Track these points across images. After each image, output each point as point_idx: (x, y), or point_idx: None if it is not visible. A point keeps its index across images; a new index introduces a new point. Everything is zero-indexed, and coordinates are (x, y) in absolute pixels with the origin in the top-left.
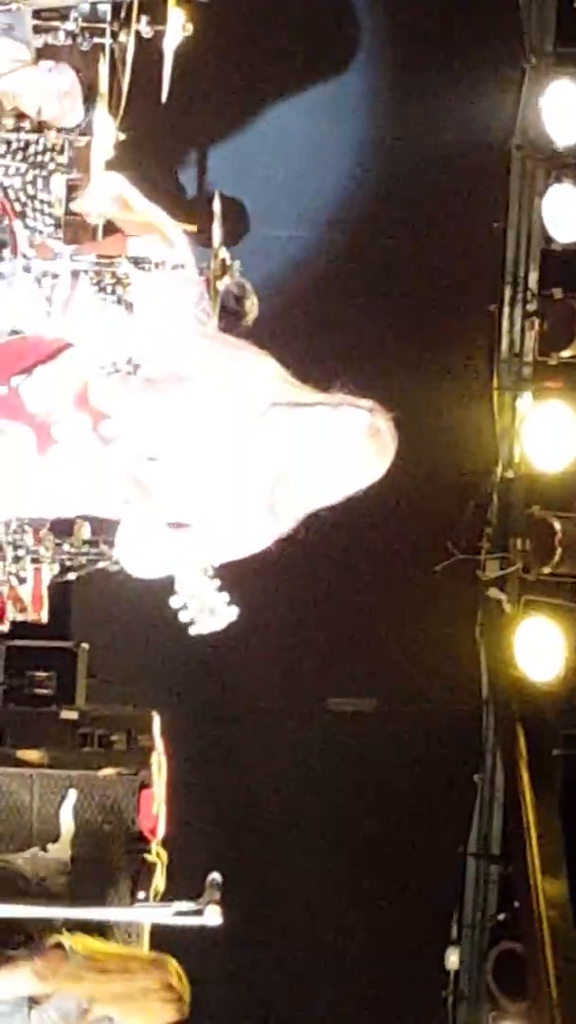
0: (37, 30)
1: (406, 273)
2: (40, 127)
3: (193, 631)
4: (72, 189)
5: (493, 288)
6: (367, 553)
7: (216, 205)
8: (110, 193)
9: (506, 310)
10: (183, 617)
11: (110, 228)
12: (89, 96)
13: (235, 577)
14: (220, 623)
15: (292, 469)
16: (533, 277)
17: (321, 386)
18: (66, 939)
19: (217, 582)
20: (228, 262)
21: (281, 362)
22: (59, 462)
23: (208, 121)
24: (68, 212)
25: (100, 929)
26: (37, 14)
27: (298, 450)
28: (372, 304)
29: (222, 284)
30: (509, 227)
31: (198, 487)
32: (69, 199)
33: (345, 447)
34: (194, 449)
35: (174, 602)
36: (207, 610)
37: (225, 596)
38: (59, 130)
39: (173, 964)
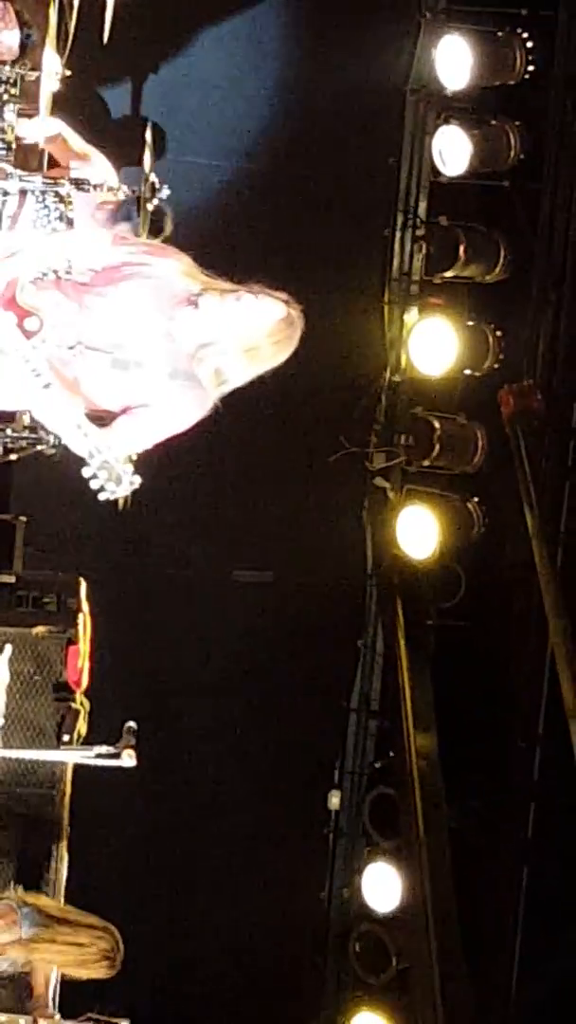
0: None
1: (311, 200)
2: None
3: (102, 496)
4: (22, 118)
5: (387, 215)
6: (271, 443)
7: (148, 135)
8: (51, 131)
9: (398, 235)
10: (94, 485)
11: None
12: (33, 33)
13: (152, 460)
14: (125, 489)
15: (214, 346)
16: (422, 206)
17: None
18: (20, 897)
19: (123, 454)
20: (157, 185)
21: (210, 263)
22: None
23: (141, 60)
24: (18, 138)
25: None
26: None
27: (222, 328)
28: (280, 226)
29: (151, 204)
30: (403, 161)
31: (126, 371)
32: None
33: (263, 329)
34: (123, 336)
35: (85, 472)
36: (115, 479)
37: (130, 467)
38: (12, 64)
39: (116, 935)
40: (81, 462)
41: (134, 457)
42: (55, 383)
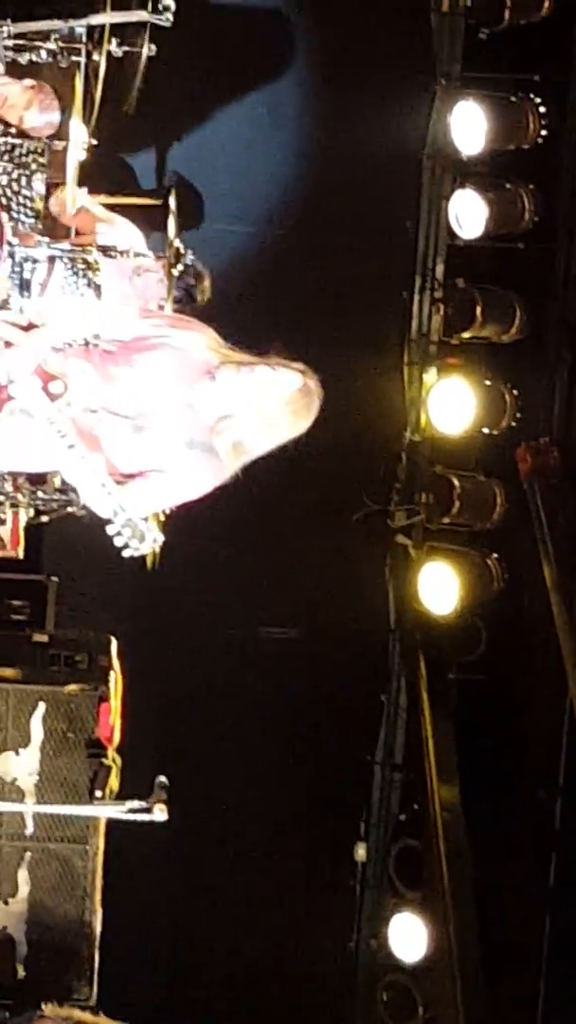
0: (22, 49)
1: (331, 263)
2: (23, 133)
3: (126, 554)
4: (51, 187)
5: (405, 277)
6: (294, 503)
7: (172, 201)
8: (79, 202)
9: (416, 296)
10: (118, 542)
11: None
12: (65, 107)
13: (181, 521)
14: (149, 547)
15: (233, 418)
16: (440, 268)
17: (256, 354)
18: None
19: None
20: (182, 250)
21: (221, 334)
22: (13, 417)
23: (165, 128)
24: (47, 207)
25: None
26: (22, 35)
27: (239, 401)
28: (301, 289)
29: (177, 269)
30: (420, 225)
31: (146, 437)
32: (48, 196)
33: (281, 401)
34: (144, 405)
35: (110, 529)
36: (138, 536)
37: (153, 525)
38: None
39: None
40: (109, 523)
41: (161, 517)
42: (79, 444)
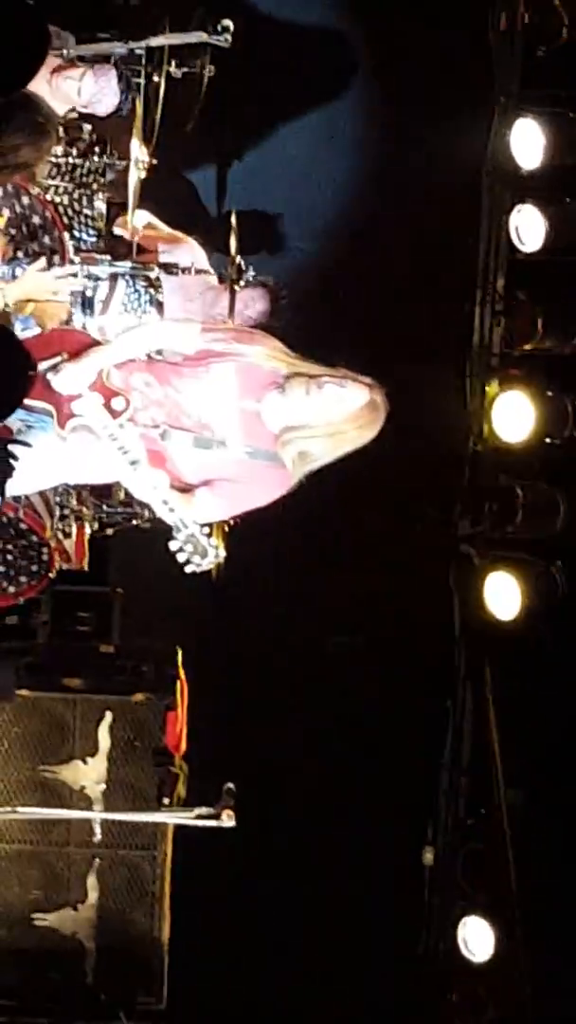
0: None
1: (394, 279)
2: (86, 151)
3: (188, 569)
4: (112, 206)
5: (467, 291)
6: (358, 513)
7: (232, 220)
8: (141, 222)
9: (477, 310)
10: (180, 557)
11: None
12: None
13: (246, 531)
14: (211, 562)
15: (300, 430)
16: (500, 282)
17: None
18: None
19: (207, 528)
20: (243, 268)
21: (293, 346)
22: (77, 432)
23: (226, 147)
24: (108, 226)
25: None
26: (82, 58)
27: (307, 414)
28: (364, 305)
29: (239, 287)
30: (480, 240)
31: (211, 448)
32: (109, 214)
33: (348, 416)
34: (209, 416)
35: (172, 545)
36: (200, 552)
37: (215, 540)
38: (100, 155)
39: None
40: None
41: (226, 528)
42: (142, 460)
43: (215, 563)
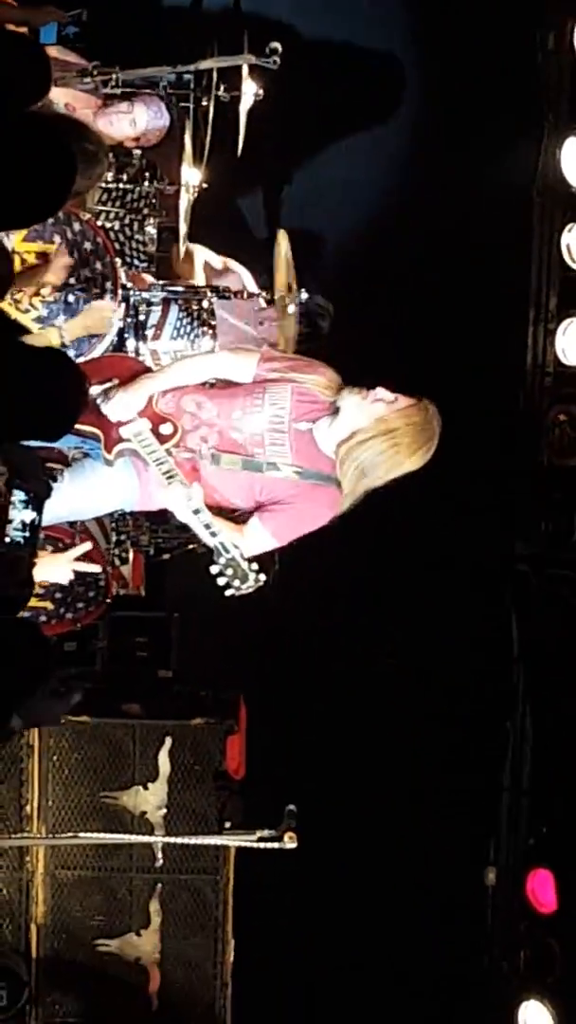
0: (129, 96)
1: (447, 300)
2: (136, 177)
3: (228, 593)
4: (163, 231)
5: (520, 310)
6: (414, 533)
7: (283, 241)
8: (198, 260)
9: (531, 329)
10: (220, 581)
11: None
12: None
13: (301, 553)
14: (251, 587)
15: (355, 437)
16: (553, 301)
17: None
18: None
19: (254, 552)
20: (294, 288)
21: (344, 368)
22: (124, 457)
23: (274, 169)
24: (159, 250)
25: None
26: (131, 83)
27: (361, 417)
28: (418, 326)
29: (291, 309)
30: (532, 259)
31: (258, 473)
32: (159, 239)
33: (399, 412)
34: (262, 438)
35: (212, 569)
36: (240, 576)
37: (255, 565)
38: (150, 181)
39: None
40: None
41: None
42: (185, 486)
43: (255, 587)
